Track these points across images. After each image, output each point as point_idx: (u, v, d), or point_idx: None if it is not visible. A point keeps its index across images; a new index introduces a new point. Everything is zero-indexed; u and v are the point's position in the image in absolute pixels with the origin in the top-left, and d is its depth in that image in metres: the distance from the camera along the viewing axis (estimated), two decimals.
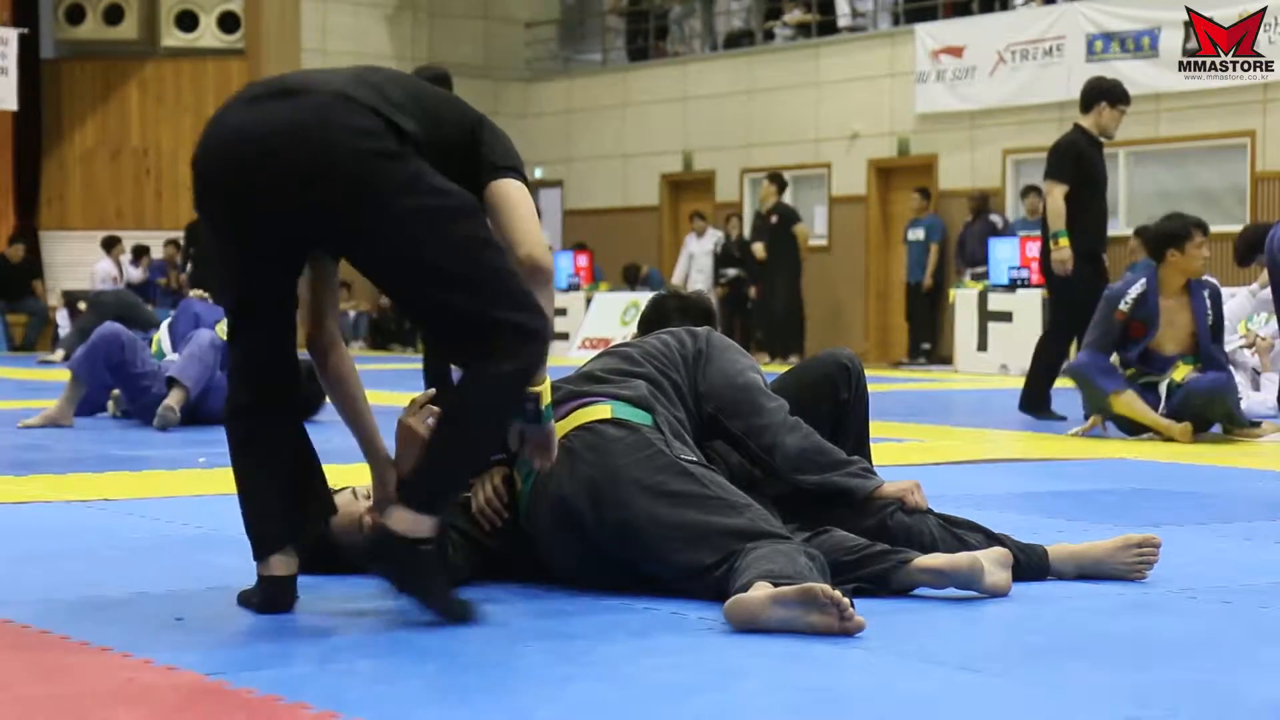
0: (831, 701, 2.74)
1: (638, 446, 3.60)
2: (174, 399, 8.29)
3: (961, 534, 3.82)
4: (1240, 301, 10.44)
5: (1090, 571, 3.85)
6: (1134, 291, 8.04)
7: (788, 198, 19.14)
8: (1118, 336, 8.11)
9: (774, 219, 18.42)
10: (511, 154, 3.45)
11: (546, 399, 3.40)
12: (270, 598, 3.38)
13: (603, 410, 3.68)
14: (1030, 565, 3.83)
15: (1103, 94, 9.25)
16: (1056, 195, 9.09)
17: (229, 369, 3.45)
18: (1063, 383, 9.15)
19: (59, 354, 15.88)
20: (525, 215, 3.37)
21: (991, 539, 3.83)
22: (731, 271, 19.12)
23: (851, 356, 4.17)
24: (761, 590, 3.18)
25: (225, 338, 3.58)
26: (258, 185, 3.21)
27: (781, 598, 3.14)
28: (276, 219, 3.24)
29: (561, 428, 3.62)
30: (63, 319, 16.66)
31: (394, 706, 2.67)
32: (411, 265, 3.21)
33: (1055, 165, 9.17)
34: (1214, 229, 10.51)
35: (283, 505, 3.38)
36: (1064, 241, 9.05)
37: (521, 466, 3.70)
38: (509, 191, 3.38)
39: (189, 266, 20.60)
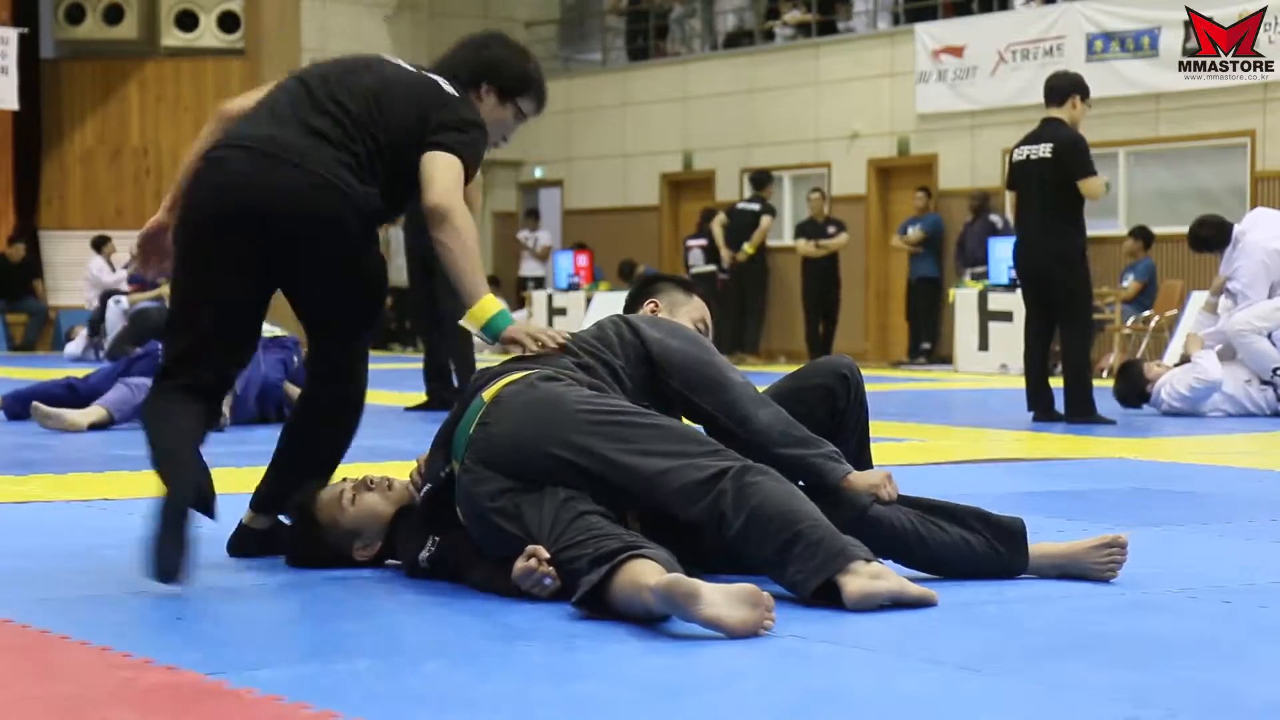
0: (831, 701, 2.74)
1: (569, 388, 3.68)
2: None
3: (941, 524, 3.80)
4: (1202, 320, 10.43)
5: (1069, 570, 3.86)
6: None
7: (787, 197, 19.14)
8: None
9: (831, 229, 18.64)
10: (450, 125, 3.90)
11: (485, 315, 3.83)
12: (237, 542, 4.13)
13: (526, 376, 3.74)
14: (1009, 540, 3.83)
15: (1076, 87, 9.06)
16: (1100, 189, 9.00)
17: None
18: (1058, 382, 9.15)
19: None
20: (441, 169, 3.84)
21: (963, 517, 3.83)
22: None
23: (851, 366, 4.17)
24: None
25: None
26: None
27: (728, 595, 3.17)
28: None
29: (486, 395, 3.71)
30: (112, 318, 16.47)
31: (394, 706, 2.67)
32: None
33: (1088, 161, 8.91)
34: None
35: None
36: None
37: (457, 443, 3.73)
38: (432, 156, 3.87)
39: None
